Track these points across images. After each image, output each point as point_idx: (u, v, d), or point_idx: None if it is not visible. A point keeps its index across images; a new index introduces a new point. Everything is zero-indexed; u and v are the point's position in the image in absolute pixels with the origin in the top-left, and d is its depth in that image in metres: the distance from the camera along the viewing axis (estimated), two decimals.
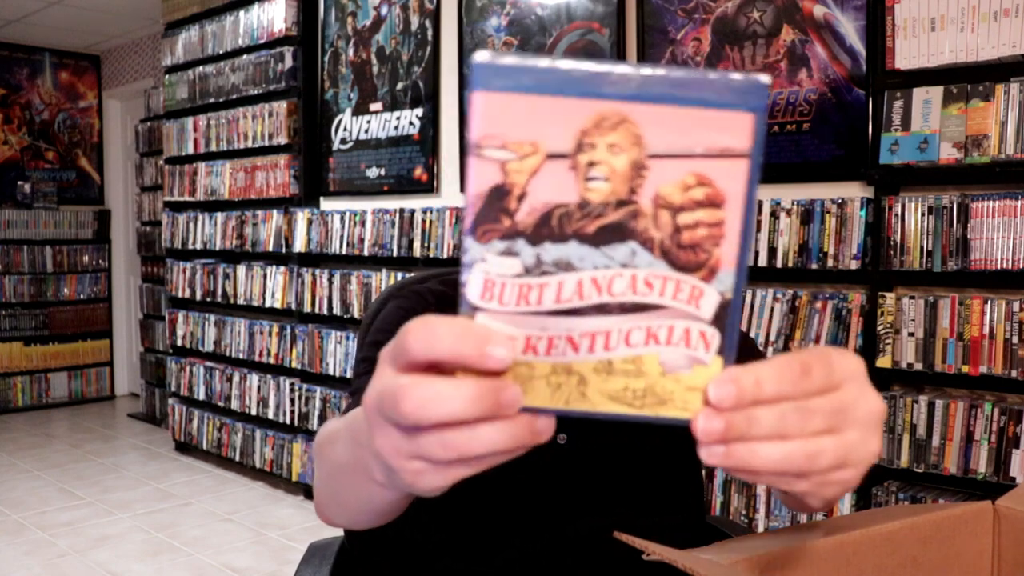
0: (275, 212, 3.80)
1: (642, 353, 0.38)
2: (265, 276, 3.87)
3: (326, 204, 3.72)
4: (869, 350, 2.08)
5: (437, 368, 0.36)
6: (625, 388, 0.38)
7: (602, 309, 0.37)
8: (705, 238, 0.36)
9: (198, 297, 4.28)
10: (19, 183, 5.64)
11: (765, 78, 0.35)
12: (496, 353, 0.35)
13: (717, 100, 0.35)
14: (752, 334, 2.25)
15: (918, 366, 2.01)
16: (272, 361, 3.81)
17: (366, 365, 0.87)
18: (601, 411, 0.38)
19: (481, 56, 0.34)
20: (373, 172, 3.45)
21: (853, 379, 0.41)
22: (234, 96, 3.98)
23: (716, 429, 0.37)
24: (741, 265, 0.37)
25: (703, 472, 0.98)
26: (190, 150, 4.29)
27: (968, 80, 1.94)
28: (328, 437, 0.62)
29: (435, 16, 3.20)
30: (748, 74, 0.35)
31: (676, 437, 0.88)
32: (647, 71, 0.34)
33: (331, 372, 3.51)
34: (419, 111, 3.26)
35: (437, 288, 0.93)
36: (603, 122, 0.34)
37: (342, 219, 3.49)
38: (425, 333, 0.36)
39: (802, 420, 0.38)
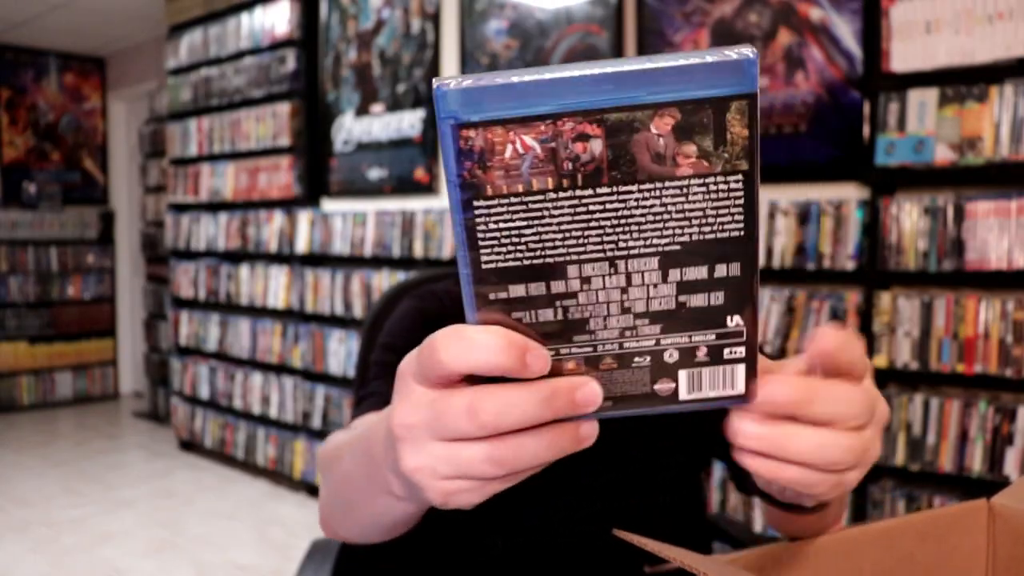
0: (277, 213, 3.82)
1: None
2: (268, 276, 3.89)
3: (328, 205, 3.74)
4: (865, 350, 2.09)
5: (471, 380, 0.36)
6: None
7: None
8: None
9: (201, 297, 4.31)
10: (24, 184, 5.67)
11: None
12: (536, 363, 0.34)
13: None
14: None
15: (914, 365, 2.02)
16: (275, 360, 3.83)
17: (377, 369, 0.84)
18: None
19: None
20: (374, 173, 3.47)
21: (871, 375, 0.39)
22: (237, 98, 4.00)
23: (782, 398, 0.37)
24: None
25: (701, 471, 0.99)
26: (193, 151, 4.32)
27: (963, 82, 1.96)
28: (335, 452, 0.60)
29: (436, 19, 3.21)
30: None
31: (679, 436, 0.89)
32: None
33: (333, 371, 3.53)
34: (420, 113, 3.28)
35: (454, 290, 0.89)
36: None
37: (344, 220, 3.51)
38: (461, 346, 0.34)
39: (848, 409, 0.37)
